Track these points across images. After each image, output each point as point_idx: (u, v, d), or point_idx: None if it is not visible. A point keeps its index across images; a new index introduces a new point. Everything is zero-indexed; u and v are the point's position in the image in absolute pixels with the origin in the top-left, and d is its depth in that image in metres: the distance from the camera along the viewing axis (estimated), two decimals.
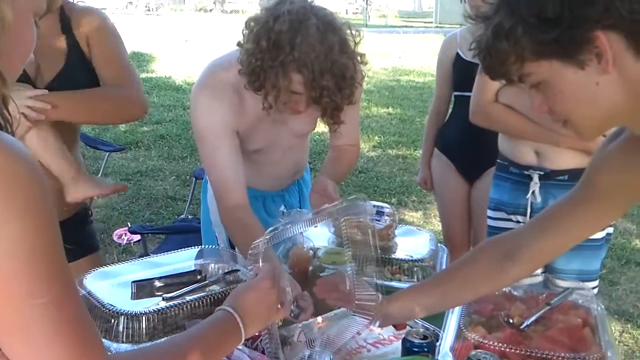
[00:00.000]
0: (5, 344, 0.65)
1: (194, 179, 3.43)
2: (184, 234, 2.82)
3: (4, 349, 0.66)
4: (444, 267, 1.80)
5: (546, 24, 0.88)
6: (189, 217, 3.20)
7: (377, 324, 1.31)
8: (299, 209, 1.88)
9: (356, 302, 1.35)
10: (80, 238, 1.84)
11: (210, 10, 32.62)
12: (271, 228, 1.18)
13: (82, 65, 1.76)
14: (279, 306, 1.07)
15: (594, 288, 1.91)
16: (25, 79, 1.64)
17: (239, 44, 1.55)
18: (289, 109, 1.56)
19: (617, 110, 0.94)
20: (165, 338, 1.24)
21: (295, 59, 1.41)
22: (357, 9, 34.81)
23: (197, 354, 0.84)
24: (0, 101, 0.71)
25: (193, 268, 1.56)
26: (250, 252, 1.10)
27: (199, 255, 1.68)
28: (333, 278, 1.41)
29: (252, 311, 0.99)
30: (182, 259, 1.65)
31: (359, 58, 1.51)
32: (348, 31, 1.50)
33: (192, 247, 1.72)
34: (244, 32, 1.53)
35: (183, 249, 1.71)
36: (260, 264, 1.08)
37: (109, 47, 1.82)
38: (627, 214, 4.59)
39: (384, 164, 5.85)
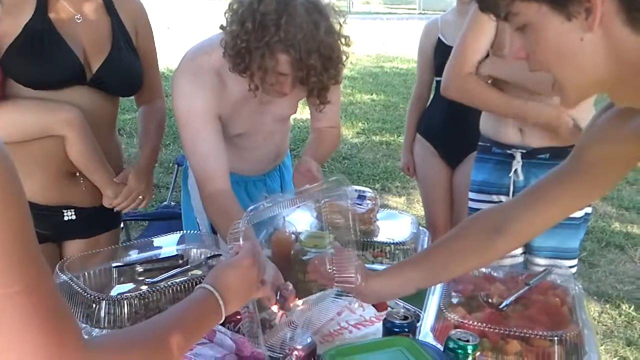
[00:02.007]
0: None
1: (176, 165, 3.40)
2: (166, 220, 2.81)
3: None
4: None
5: None
6: (172, 204, 3.18)
7: (357, 304, 1.32)
8: (281, 193, 1.88)
9: (336, 282, 1.35)
10: (107, 214, 1.85)
11: None
12: (251, 207, 1.18)
13: (127, 50, 1.75)
14: (259, 284, 1.07)
15: (572, 267, 1.94)
16: (78, 68, 1.63)
17: (221, 27, 1.54)
18: (274, 91, 1.55)
19: (599, 74, 0.92)
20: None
21: (281, 39, 1.41)
22: None
23: (178, 332, 0.84)
24: None
25: (175, 253, 1.55)
26: (230, 231, 1.10)
27: (181, 241, 1.67)
28: (320, 259, 1.41)
29: (232, 289, 0.99)
30: (164, 244, 1.65)
31: (343, 40, 1.52)
32: (333, 12, 1.50)
33: (175, 233, 1.72)
34: (227, 14, 1.52)
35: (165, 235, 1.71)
36: (241, 242, 1.09)
37: (152, 46, 1.88)
38: (607, 197, 4.65)
39: (367, 150, 5.86)
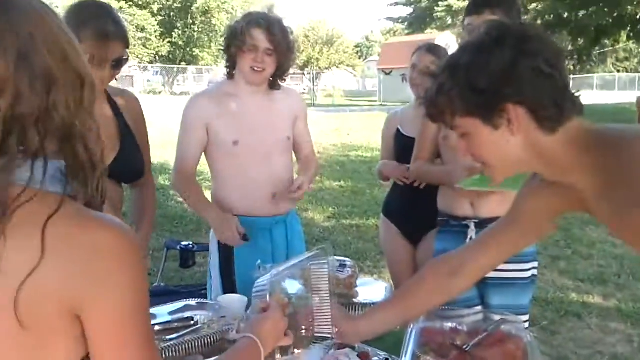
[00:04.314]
0: None
1: (165, 249, 3.60)
2: (160, 297, 2.98)
3: None
4: None
5: (475, 92, 1.18)
6: (161, 285, 3.36)
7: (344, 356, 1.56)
8: (272, 264, 2.14)
9: (316, 330, 1.59)
10: None
11: (159, 93, 32.97)
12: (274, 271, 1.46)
13: (133, 146, 2.00)
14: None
15: (525, 322, 2.21)
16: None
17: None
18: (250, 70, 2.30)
19: (522, 163, 1.24)
20: None
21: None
22: (304, 89, 36.02)
23: None
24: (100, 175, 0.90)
25: (186, 316, 1.78)
26: (255, 288, 1.38)
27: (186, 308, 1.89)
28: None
29: (268, 336, 1.24)
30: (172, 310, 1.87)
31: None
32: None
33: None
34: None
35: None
36: (268, 299, 1.35)
37: (146, 135, 2.14)
38: (564, 270, 5.01)
39: (339, 233, 6.15)
